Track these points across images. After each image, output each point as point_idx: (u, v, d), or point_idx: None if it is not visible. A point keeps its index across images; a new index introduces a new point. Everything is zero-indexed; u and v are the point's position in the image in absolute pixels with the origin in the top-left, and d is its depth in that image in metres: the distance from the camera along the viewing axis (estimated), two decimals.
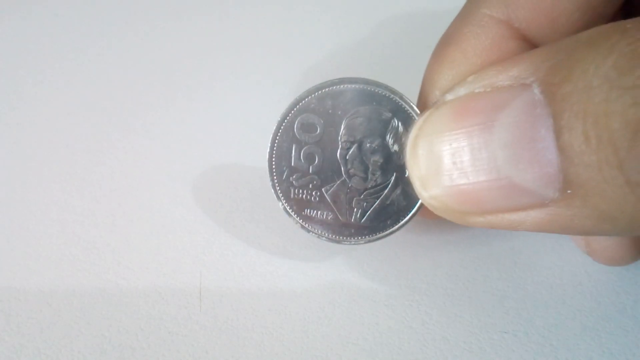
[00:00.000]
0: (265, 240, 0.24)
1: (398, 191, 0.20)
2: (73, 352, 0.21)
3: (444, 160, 0.16)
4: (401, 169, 0.20)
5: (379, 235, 0.21)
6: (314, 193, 0.21)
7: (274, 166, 0.21)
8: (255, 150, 0.27)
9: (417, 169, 0.17)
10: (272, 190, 0.21)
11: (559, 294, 0.22)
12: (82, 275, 0.23)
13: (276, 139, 0.20)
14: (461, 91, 0.17)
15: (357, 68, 0.31)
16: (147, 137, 0.28)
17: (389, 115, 0.20)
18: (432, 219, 0.24)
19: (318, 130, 0.20)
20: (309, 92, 0.20)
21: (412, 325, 0.22)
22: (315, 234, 0.21)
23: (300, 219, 0.21)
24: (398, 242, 0.24)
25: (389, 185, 0.20)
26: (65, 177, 0.26)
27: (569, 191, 0.14)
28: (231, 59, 0.32)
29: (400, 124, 0.20)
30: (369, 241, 0.21)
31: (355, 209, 0.21)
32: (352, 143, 0.20)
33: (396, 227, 0.21)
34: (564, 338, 0.21)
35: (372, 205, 0.20)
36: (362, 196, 0.20)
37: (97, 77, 0.31)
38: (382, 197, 0.20)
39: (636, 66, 0.13)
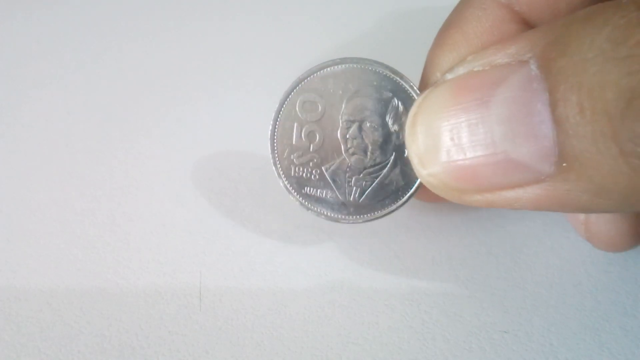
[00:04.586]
0: (265, 240, 0.24)
1: (397, 171, 0.20)
2: (73, 352, 0.21)
3: (442, 137, 0.16)
4: (400, 148, 0.20)
5: (377, 215, 0.21)
6: (314, 171, 0.21)
7: (275, 144, 0.21)
8: (255, 149, 0.27)
9: (416, 146, 0.18)
10: (273, 168, 0.21)
11: (559, 294, 0.22)
12: (82, 275, 0.23)
13: (278, 117, 0.20)
14: (460, 70, 0.17)
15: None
16: (147, 136, 0.28)
17: (390, 95, 0.20)
18: (431, 201, 0.24)
19: (319, 109, 0.20)
20: (310, 72, 0.20)
21: (412, 325, 0.22)
22: (314, 212, 0.21)
23: (300, 197, 0.21)
24: (398, 242, 0.24)
25: (388, 165, 0.20)
26: (65, 177, 0.26)
27: (564, 164, 0.14)
28: (230, 59, 0.32)
29: (400, 104, 0.20)
30: (367, 220, 0.21)
31: (354, 188, 0.21)
32: (353, 122, 0.20)
33: (394, 206, 0.21)
34: (564, 338, 0.21)
35: (371, 185, 0.20)
36: (361, 175, 0.20)
37: (97, 76, 0.31)
38: (380, 176, 0.20)
39: (630, 36, 0.13)
